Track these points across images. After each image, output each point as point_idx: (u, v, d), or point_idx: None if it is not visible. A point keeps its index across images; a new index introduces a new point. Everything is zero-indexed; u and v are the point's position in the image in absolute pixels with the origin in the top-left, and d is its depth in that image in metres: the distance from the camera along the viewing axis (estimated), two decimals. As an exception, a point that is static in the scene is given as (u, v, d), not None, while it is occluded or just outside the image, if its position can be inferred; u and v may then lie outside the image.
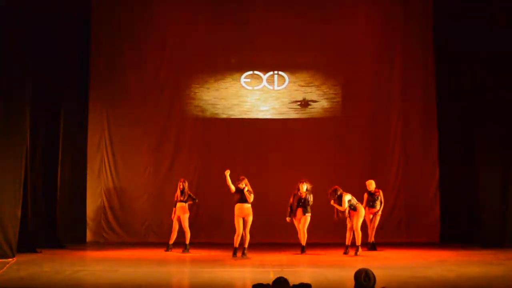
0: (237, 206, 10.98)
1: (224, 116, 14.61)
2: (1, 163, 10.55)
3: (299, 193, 11.58)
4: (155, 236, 14.04)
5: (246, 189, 10.93)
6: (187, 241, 12.00)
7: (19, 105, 10.93)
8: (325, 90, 14.63)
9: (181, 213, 12.03)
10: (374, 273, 5.32)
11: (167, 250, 11.97)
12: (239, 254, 10.91)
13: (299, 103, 14.54)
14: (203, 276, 8.96)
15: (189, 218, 12.18)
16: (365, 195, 12.33)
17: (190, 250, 11.94)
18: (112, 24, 14.46)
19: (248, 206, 10.96)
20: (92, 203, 14.14)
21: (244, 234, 10.96)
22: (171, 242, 12.04)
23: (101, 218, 14.18)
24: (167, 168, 14.41)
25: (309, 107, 14.59)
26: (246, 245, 10.96)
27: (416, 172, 14.30)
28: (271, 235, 13.47)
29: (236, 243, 10.96)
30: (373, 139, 14.48)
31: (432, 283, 8.23)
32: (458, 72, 13.72)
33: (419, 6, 14.53)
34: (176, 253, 11.81)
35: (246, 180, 11.01)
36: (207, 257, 11.31)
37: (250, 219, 10.96)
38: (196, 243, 12.56)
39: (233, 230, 11.11)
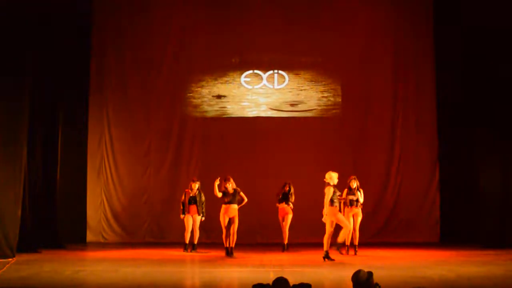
0: (225, 207, 11.06)
1: (225, 115, 14.60)
2: (1, 163, 10.54)
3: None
4: (155, 236, 14.05)
5: (239, 191, 11.07)
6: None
7: (18, 105, 10.92)
8: (325, 90, 14.62)
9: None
10: (374, 273, 5.32)
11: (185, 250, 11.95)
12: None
13: (295, 103, 14.57)
14: (203, 276, 8.98)
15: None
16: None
17: (191, 250, 11.94)
18: (112, 24, 14.48)
19: (235, 207, 11.07)
20: (92, 203, 14.13)
21: (232, 234, 11.06)
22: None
23: (101, 218, 14.18)
24: (168, 168, 14.39)
25: (309, 106, 14.59)
26: (233, 245, 11.07)
27: (416, 172, 14.29)
28: (272, 236, 13.42)
29: (226, 242, 11.13)
30: (373, 139, 14.47)
31: (432, 283, 8.22)
32: (458, 72, 13.72)
33: (420, 6, 14.53)
34: (176, 252, 11.81)
35: (232, 180, 11.09)
36: (207, 257, 11.31)
37: (237, 220, 11.05)
38: (196, 243, 12.54)
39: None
